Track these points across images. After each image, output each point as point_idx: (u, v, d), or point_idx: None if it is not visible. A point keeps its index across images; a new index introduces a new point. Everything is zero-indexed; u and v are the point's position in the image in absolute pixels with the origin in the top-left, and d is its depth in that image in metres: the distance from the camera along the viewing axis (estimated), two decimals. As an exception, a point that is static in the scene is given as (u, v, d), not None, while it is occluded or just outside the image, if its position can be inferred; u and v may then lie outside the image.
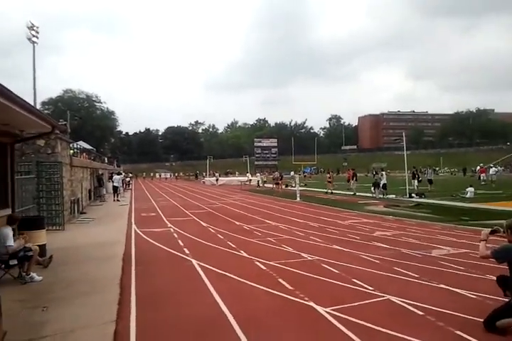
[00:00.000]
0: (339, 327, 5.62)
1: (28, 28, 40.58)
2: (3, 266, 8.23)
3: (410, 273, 8.47)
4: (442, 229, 14.97)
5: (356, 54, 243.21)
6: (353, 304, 6.56)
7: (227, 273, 8.63)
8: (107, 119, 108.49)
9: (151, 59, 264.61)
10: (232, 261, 10.03)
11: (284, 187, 41.89)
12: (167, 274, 8.84)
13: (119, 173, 41.12)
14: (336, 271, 8.72)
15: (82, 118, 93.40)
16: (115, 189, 31.77)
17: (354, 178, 32.75)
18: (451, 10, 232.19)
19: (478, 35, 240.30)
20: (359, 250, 10.97)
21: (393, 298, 6.81)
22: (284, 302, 6.74)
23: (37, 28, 41.28)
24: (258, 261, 9.75)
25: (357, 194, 31.50)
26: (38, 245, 9.28)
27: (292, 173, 66.14)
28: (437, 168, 77.83)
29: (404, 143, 30.18)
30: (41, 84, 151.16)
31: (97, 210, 23.95)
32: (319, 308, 6.36)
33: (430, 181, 33.36)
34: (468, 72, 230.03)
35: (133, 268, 9.37)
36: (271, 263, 9.55)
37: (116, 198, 31.02)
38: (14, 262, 8.23)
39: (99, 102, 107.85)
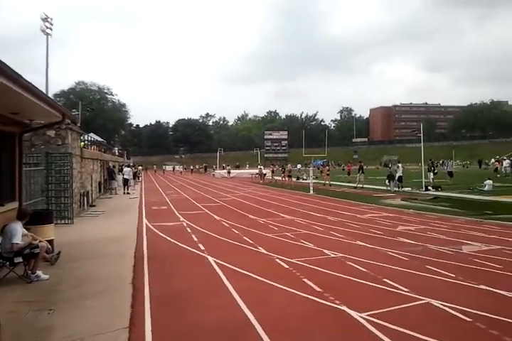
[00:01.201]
0: (379, 336, 4.99)
1: (42, 19, 40.33)
2: (7, 263, 7.70)
3: (445, 273, 7.83)
4: (467, 223, 14.30)
5: (368, 46, 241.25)
6: (390, 308, 5.92)
7: (247, 272, 8.02)
8: (118, 112, 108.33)
9: (163, 51, 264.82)
10: (251, 258, 9.41)
11: (295, 179, 41.30)
12: (183, 273, 8.24)
13: (128, 165, 40.77)
14: (364, 270, 8.08)
15: (94, 110, 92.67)
16: (125, 181, 31.30)
17: (361, 171, 32.01)
18: (464, 0, 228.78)
19: (492, 26, 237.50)
20: (384, 246, 10.33)
21: (433, 302, 6.17)
22: (314, 306, 6.11)
23: (51, 19, 41.03)
24: (278, 259, 9.13)
25: (364, 186, 30.90)
26: (46, 240, 8.77)
27: (299, 166, 65.43)
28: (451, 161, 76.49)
29: (422, 135, 29.26)
30: (54, 78, 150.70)
31: (106, 203, 23.47)
32: (353, 313, 5.73)
33: (450, 174, 32.40)
34: (482, 63, 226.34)
35: (146, 265, 8.79)
36: (292, 260, 8.92)
37: (126, 191, 30.59)
38: (19, 260, 7.70)
39: (111, 94, 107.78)
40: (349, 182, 35.11)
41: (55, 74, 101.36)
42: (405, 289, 6.79)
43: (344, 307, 5.97)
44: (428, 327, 5.25)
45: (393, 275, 7.69)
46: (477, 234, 12.04)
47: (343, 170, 54.90)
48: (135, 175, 39.93)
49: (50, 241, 9.34)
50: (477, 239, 11.23)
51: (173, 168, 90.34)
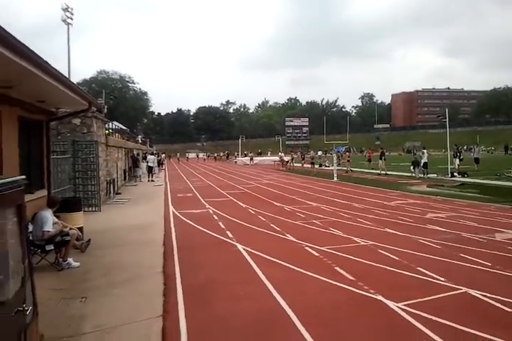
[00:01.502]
0: (418, 326, 4.86)
1: (63, 9, 40.68)
2: (38, 251, 7.75)
3: (480, 261, 7.64)
4: (498, 210, 13.98)
5: (390, 31, 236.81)
6: (427, 298, 5.77)
7: (277, 260, 7.93)
8: (140, 100, 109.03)
9: (182, 39, 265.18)
10: (280, 245, 9.32)
11: (317, 166, 41.13)
12: (213, 261, 8.19)
13: (152, 153, 40.99)
14: (397, 258, 7.93)
15: (116, 98, 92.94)
16: (150, 169, 31.46)
17: (382, 157, 31.68)
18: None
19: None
20: (415, 234, 10.13)
21: (471, 291, 6.01)
22: (349, 296, 6.01)
23: (71, 9, 41.33)
24: (308, 246, 9.02)
25: (388, 173, 30.71)
26: (75, 228, 8.83)
27: (320, 153, 65.36)
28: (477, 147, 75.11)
29: (447, 120, 28.66)
30: (76, 67, 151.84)
31: (132, 191, 23.62)
32: (390, 303, 5.60)
33: (477, 160, 31.51)
34: (505, 47, 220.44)
35: (175, 253, 8.78)
36: (322, 248, 8.81)
37: (150, 178, 30.75)
38: (50, 247, 7.75)
39: (133, 83, 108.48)
40: (372, 169, 34.73)
41: (76, 63, 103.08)
42: (441, 278, 6.63)
43: (380, 297, 5.84)
44: (468, 318, 5.11)
45: (427, 263, 7.52)
46: (510, 222, 11.76)
47: (365, 156, 54.44)
48: (159, 163, 40.14)
49: (80, 229, 9.40)
50: (510, 227, 10.96)
51: (197, 156, 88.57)
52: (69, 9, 41.11)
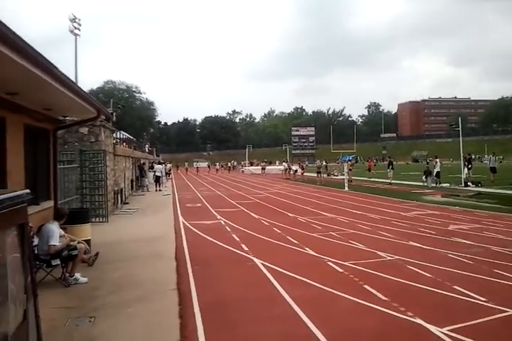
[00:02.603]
0: (471, 357, 4.31)
1: (71, 20, 40.48)
2: (44, 265, 7.24)
3: (520, 279, 7.06)
4: (522, 222, 13.35)
5: (396, 41, 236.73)
6: (473, 322, 5.19)
7: (298, 277, 7.37)
8: (147, 110, 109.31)
9: (189, 49, 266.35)
10: (300, 260, 8.75)
11: (325, 176, 40.65)
12: (230, 277, 7.64)
13: (160, 163, 40.60)
14: (429, 275, 7.34)
15: (124, 107, 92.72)
16: (157, 178, 30.94)
17: (390, 166, 31.06)
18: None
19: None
20: (442, 247, 9.53)
21: (519, 314, 5.43)
22: (385, 319, 5.41)
23: (79, 20, 41.15)
24: (330, 261, 8.45)
25: (392, 182, 30.04)
26: (83, 240, 8.34)
27: (324, 162, 64.68)
28: (484, 156, 74.17)
29: (461, 129, 28.07)
30: (83, 77, 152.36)
31: (140, 200, 23.12)
32: (432, 328, 5.02)
33: (493, 170, 30.04)
34: (510, 57, 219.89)
35: (189, 268, 8.24)
36: (346, 263, 8.24)
37: (158, 188, 30.28)
38: (57, 262, 7.25)
39: (139, 93, 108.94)
40: (373, 178, 34.20)
41: (84, 73, 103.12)
42: (482, 298, 6.04)
43: (419, 321, 5.25)
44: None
45: (463, 281, 6.94)
46: (538, 235, 11.16)
47: (375, 165, 53.74)
48: (166, 173, 39.71)
49: (87, 241, 8.91)
50: (540, 240, 10.38)
51: (208, 166, 76.47)
52: (76, 20, 40.92)
